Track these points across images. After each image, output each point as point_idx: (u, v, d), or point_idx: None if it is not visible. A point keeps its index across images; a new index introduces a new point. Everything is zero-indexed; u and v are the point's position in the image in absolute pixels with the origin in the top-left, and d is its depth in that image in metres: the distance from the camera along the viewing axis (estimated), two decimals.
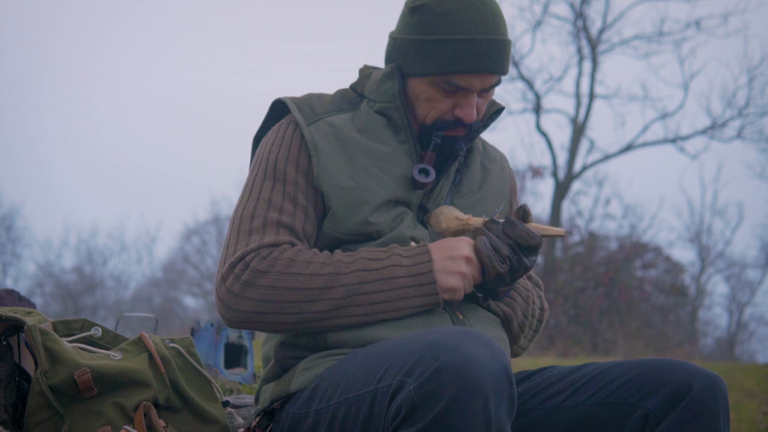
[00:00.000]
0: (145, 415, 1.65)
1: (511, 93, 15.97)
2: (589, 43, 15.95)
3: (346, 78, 1.92)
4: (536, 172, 16.85)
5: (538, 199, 17.34)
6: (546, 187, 25.06)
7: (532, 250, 1.70)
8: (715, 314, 22.63)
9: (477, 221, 1.75)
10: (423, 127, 1.80)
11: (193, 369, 1.80)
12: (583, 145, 16.17)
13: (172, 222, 47.81)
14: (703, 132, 15.86)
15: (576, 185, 16.77)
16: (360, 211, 1.73)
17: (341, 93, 1.88)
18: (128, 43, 37.46)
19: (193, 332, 3.37)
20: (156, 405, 1.70)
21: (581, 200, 18.09)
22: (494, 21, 1.74)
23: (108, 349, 1.79)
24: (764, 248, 21.14)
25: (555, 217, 15.49)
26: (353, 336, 1.68)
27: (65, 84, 36.78)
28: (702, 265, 20.34)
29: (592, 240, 15.99)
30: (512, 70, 15.57)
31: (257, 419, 1.79)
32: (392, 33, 1.83)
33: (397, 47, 1.80)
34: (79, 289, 24.69)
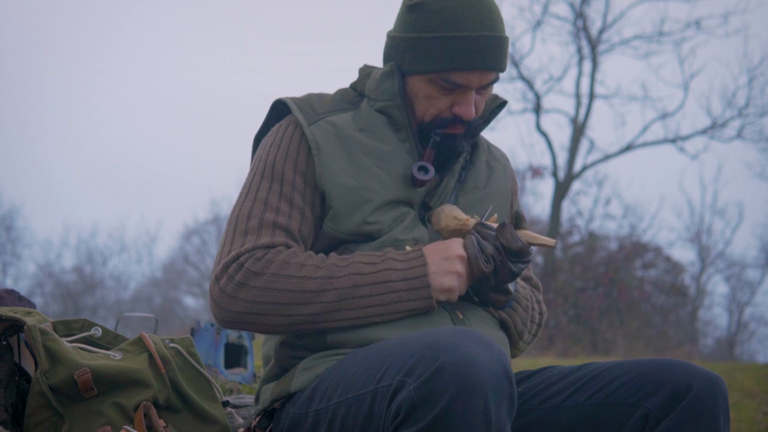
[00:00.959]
0: (145, 415, 1.65)
1: (511, 93, 15.95)
2: (589, 43, 15.95)
3: (346, 78, 1.92)
4: (536, 172, 16.85)
5: (538, 199, 17.37)
6: (546, 187, 25.05)
7: (516, 255, 1.70)
8: (715, 314, 22.65)
9: (475, 223, 1.75)
10: (422, 125, 1.80)
11: (193, 369, 1.80)
12: (583, 145, 16.17)
13: (172, 222, 47.84)
14: (703, 132, 15.85)
15: (576, 185, 16.78)
16: (361, 210, 1.73)
17: (341, 92, 1.88)
18: (128, 43, 37.48)
19: (193, 332, 3.37)
20: (156, 405, 1.70)
21: (581, 200, 18.09)
22: (491, 18, 1.74)
23: (108, 349, 1.79)
24: (764, 248, 21.15)
25: (555, 217, 15.49)
26: (353, 336, 1.68)
27: (65, 84, 36.80)
28: (702, 265, 20.35)
29: (592, 240, 15.99)
30: (512, 70, 15.57)
31: (257, 419, 1.79)
32: (390, 32, 1.83)
33: (395, 46, 1.80)
34: (79, 289, 24.69)
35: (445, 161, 1.82)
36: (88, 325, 1.84)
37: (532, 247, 1.74)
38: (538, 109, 15.93)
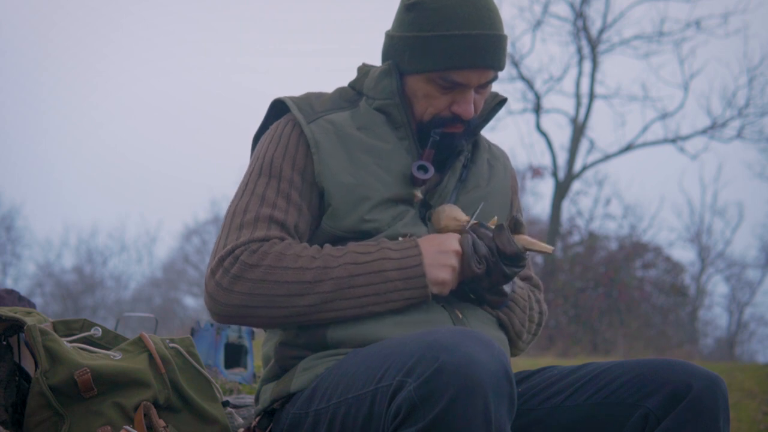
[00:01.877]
0: (145, 415, 1.65)
1: (511, 93, 15.95)
2: (589, 43, 15.95)
3: (346, 78, 1.92)
4: (536, 172, 16.85)
5: (538, 199, 17.38)
6: (546, 187, 25.07)
7: (510, 259, 1.70)
8: (715, 314, 22.65)
9: (474, 225, 1.75)
10: (421, 125, 1.80)
11: (193, 369, 1.80)
12: (583, 145, 16.17)
13: (172, 222, 47.86)
14: (703, 132, 15.85)
15: (576, 185, 16.79)
16: (360, 208, 1.73)
17: (340, 91, 1.89)
18: (128, 43, 37.50)
19: (193, 332, 3.37)
20: (156, 405, 1.70)
21: (581, 200, 18.10)
22: (489, 16, 1.74)
23: (108, 349, 1.79)
24: (764, 248, 21.15)
25: (555, 217, 15.49)
26: (353, 336, 1.68)
27: (65, 84, 36.82)
28: (702, 265, 20.35)
29: (592, 240, 15.99)
30: (512, 70, 15.57)
31: (257, 419, 1.79)
32: (388, 31, 1.83)
33: (393, 45, 1.80)
34: (79, 289, 24.69)
35: (445, 160, 1.82)
36: (88, 325, 1.84)
37: (528, 252, 1.74)
38: (538, 109, 15.93)
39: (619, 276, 14.77)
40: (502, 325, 1.83)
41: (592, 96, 16.03)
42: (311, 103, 1.83)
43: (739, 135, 15.70)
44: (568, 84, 37.58)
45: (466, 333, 1.42)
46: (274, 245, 1.68)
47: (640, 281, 15.56)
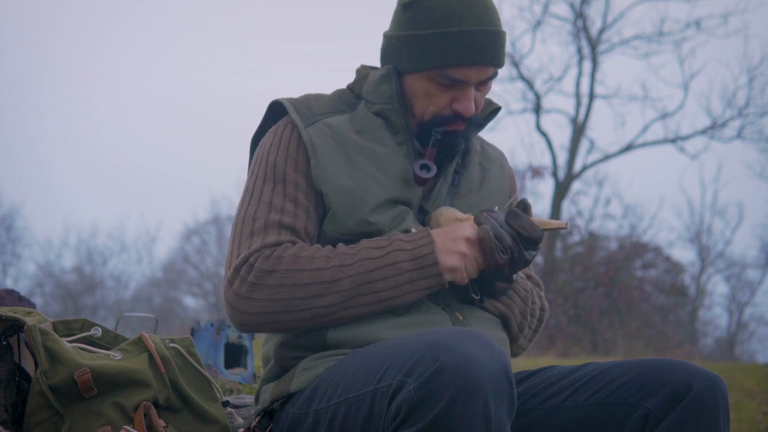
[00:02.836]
0: (145, 415, 1.65)
1: (511, 93, 16.02)
2: (589, 43, 15.94)
3: (346, 78, 1.92)
4: (536, 172, 16.84)
5: (538, 199, 17.33)
6: (546, 187, 25.09)
7: (532, 243, 1.69)
8: (715, 314, 22.62)
9: None
10: (422, 124, 1.79)
11: (193, 369, 1.80)
12: (583, 145, 16.17)
13: (172, 222, 47.82)
14: (703, 132, 15.85)
15: (576, 185, 16.77)
16: (359, 211, 1.73)
17: (339, 94, 1.88)
18: (128, 43, 37.48)
19: (193, 332, 3.37)
20: (156, 405, 1.70)
21: (581, 200, 18.05)
22: (487, 12, 1.74)
23: (108, 349, 1.79)
24: (764, 248, 21.14)
25: (555, 218, 15.48)
26: (353, 336, 1.68)
27: (65, 84, 36.78)
28: (702, 265, 20.34)
29: (592, 240, 15.98)
30: (512, 70, 15.57)
31: (257, 419, 1.79)
32: (386, 32, 1.83)
33: (391, 45, 1.80)
34: (79, 289, 24.68)
35: (442, 161, 1.82)
36: (88, 325, 1.84)
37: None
38: (538, 109, 15.93)
39: (619, 276, 14.76)
40: (502, 326, 1.83)
41: (592, 96, 16.03)
42: (309, 105, 1.82)
43: (739, 135, 15.70)
44: (568, 84, 37.51)
45: (466, 333, 1.42)
46: (287, 249, 1.67)
47: (640, 281, 15.54)
